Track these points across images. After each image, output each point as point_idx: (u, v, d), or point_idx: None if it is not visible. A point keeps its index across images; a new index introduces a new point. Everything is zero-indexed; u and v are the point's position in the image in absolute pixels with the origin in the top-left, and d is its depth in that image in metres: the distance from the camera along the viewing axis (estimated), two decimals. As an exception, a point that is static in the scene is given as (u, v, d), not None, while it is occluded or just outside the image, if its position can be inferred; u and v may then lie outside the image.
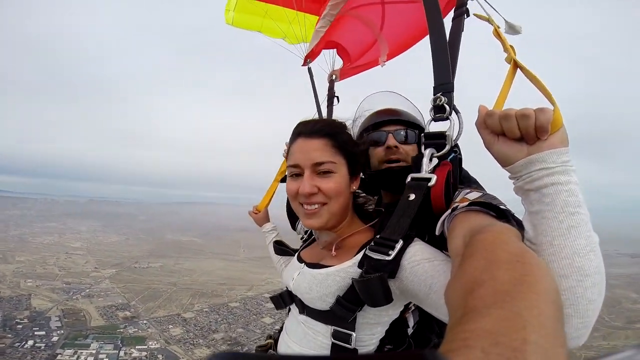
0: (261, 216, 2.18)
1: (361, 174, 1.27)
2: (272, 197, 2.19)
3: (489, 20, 1.31)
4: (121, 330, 54.76)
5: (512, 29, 1.37)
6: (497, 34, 1.21)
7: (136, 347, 49.76)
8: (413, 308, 1.35)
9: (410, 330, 1.34)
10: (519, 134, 0.80)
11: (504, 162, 0.85)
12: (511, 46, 1.13)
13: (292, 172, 1.18)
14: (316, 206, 1.14)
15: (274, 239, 2.00)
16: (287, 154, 1.25)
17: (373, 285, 0.92)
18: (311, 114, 2.22)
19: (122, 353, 47.79)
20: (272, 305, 1.37)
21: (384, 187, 1.48)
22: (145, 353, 48.52)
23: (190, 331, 57.75)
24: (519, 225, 0.83)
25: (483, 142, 0.89)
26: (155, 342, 52.33)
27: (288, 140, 1.43)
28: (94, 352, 46.91)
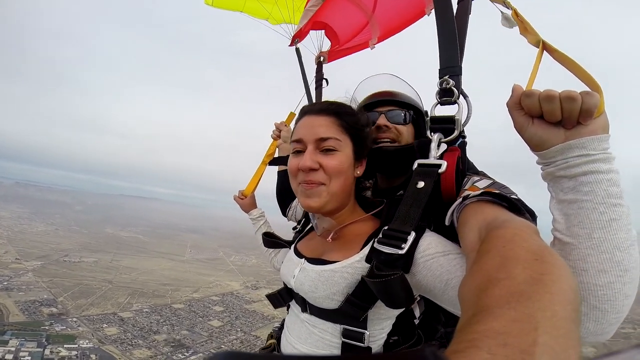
0: (248, 202, 1.99)
1: (365, 160, 1.19)
2: (259, 180, 2.04)
3: (504, 2, 1.24)
4: (46, 327, 48.68)
5: (508, 22, 1.28)
6: (517, 16, 1.16)
7: (64, 345, 44.56)
8: (418, 298, 1.30)
9: (416, 321, 1.29)
10: (560, 118, 0.75)
11: (537, 147, 0.80)
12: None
13: (295, 147, 1.11)
14: (316, 187, 1.06)
15: (261, 229, 1.88)
16: (292, 131, 1.17)
17: (394, 286, 0.84)
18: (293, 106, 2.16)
19: (47, 351, 42.42)
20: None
21: (375, 167, 1.39)
22: (76, 352, 43.65)
23: (128, 331, 53.18)
24: (531, 215, 0.81)
25: (514, 123, 0.83)
26: (87, 341, 47.31)
27: (278, 121, 1.64)
28: (13, 349, 41.18)
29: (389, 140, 1.34)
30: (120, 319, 57.25)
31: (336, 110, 1.12)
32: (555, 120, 0.76)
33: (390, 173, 1.39)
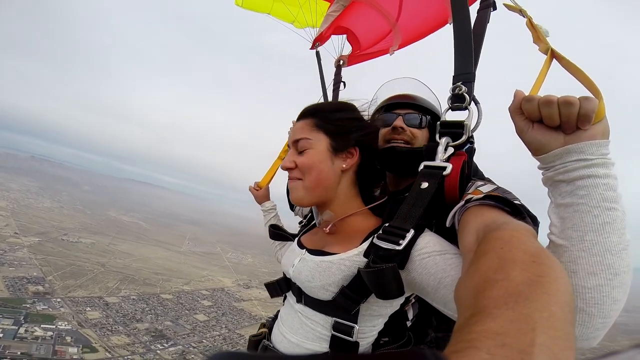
0: (262, 193, 2.10)
1: (357, 151, 1.21)
2: (274, 174, 2.13)
3: (521, 11, 1.26)
4: (28, 305, 48.73)
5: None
6: (531, 25, 1.17)
7: (42, 325, 44.35)
8: (413, 301, 1.31)
9: (408, 323, 1.30)
10: (559, 122, 0.76)
11: (537, 151, 0.81)
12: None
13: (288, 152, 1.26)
14: (294, 181, 1.18)
15: (271, 221, 1.98)
16: None
17: (386, 276, 0.87)
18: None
19: (22, 330, 42.16)
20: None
21: (385, 166, 1.42)
22: (52, 333, 43.34)
23: (111, 317, 53.15)
24: (533, 221, 0.82)
25: (515, 128, 0.85)
26: (66, 322, 47.17)
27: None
28: (-14, 325, 40.91)
29: (402, 141, 1.38)
30: (105, 303, 57.33)
31: (313, 111, 1.22)
32: (554, 124, 0.77)
33: (398, 172, 1.42)
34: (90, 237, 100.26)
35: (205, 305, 66.26)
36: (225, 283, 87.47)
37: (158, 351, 47.25)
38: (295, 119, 1.68)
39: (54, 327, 45.11)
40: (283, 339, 1.18)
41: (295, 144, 1.18)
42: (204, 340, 52.80)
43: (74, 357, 40.19)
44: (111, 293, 62.49)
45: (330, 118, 1.18)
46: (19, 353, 38.35)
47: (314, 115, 1.20)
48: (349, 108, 1.24)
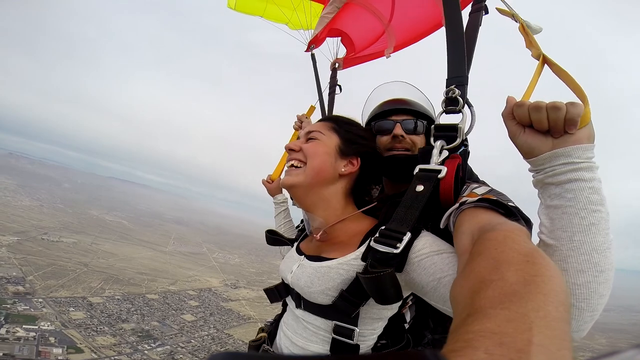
0: (274, 186, 2.16)
1: (358, 163, 1.26)
2: (284, 166, 2.28)
3: (513, 15, 1.27)
4: (8, 306, 46.76)
5: (531, 30, 1.27)
6: (523, 30, 1.20)
7: (23, 326, 42.66)
8: (410, 303, 1.32)
9: (406, 326, 1.31)
10: (547, 126, 0.79)
11: (528, 154, 0.85)
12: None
13: None
14: (294, 162, 1.23)
15: (280, 215, 2.06)
16: None
17: (383, 282, 0.87)
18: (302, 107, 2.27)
19: (2, 331, 40.45)
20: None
21: (386, 174, 1.46)
22: (34, 334, 41.72)
23: (95, 317, 51.69)
24: (526, 222, 0.85)
25: (508, 132, 0.88)
26: (49, 323, 45.53)
27: (300, 113, 2.03)
28: (-36, 325, 39.12)
29: (403, 149, 1.38)
30: (89, 303, 55.71)
31: (333, 118, 1.35)
32: (543, 129, 0.80)
33: (395, 178, 1.43)
34: (72, 236, 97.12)
35: (192, 305, 65.29)
36: (213, 283, 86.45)
37: (146, 351, 46.21)
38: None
39: (36, 327, 43.45)
40: (290, 343, 1.20)
41: (307, 135, 1.26)
42: (192, 341, 52.11)
43: (59, 357, 38.91)
44: (95, 293, 60.77)
45: (345, 127, 1.28)
46: (1, 354, 36.85)
47: (332, 120, 1.31)
48: (361, 126, 1.38)
